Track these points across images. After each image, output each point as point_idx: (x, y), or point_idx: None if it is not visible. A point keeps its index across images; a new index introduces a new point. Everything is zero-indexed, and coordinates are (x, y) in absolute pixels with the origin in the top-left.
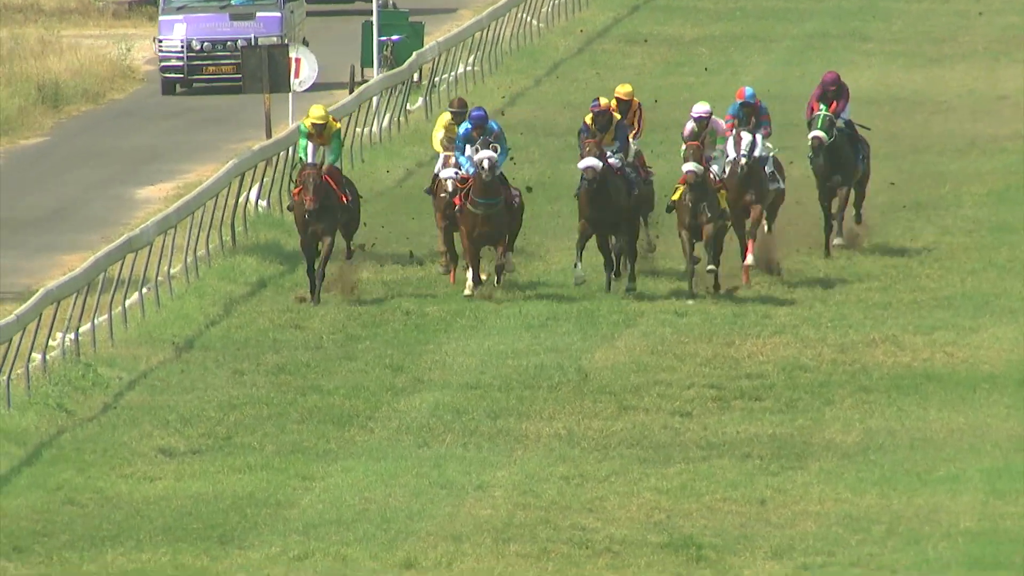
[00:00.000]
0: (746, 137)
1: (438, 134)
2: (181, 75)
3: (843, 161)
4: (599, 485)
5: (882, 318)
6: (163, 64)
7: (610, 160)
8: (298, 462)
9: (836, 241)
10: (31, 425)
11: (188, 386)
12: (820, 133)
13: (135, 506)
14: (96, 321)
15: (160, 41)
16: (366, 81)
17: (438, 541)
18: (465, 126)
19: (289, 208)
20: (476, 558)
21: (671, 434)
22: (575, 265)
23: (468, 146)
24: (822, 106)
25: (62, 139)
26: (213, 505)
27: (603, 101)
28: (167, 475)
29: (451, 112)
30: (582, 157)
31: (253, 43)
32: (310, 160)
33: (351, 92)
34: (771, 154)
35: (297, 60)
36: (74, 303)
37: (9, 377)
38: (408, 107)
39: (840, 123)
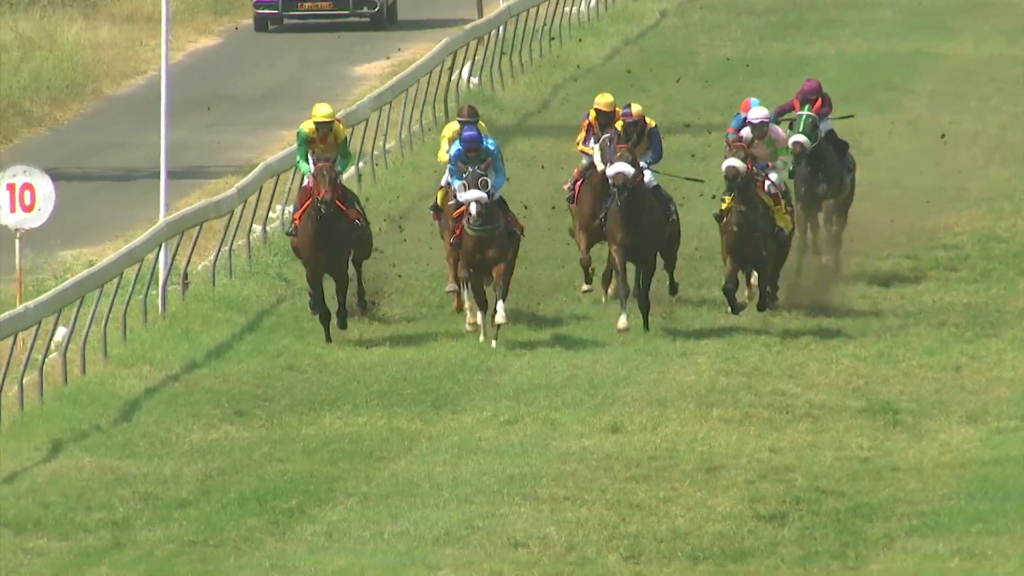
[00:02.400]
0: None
1: (444, 145)
2: (275, 11)
3: (828, 169)
4: (799, 352)
5: None
6: (257, 0)
7: (644, 175)
8: (509, 329)
9: (824, 260)
10: (252, 294)
11: (404, 256)
12: (802, 138)
13: (352, 371)
14: None
15: None
16: None
17: (643, 406)
18: (456, 147)
19: (289, 234)
20: (680, 422)
21: (869, 303)
22: (623, 308)
23: (461, 163)
24: (805, 106)
25: None
26: (427, 371)
27: (635, 109)
28: (383, 342)
29: (460, 122)
30: (611, 162)
31: None
32: (311, 171)
33: None
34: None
35: None
36: (292, 176)
37: (231, 248)
38: None
39: (822, 133)
